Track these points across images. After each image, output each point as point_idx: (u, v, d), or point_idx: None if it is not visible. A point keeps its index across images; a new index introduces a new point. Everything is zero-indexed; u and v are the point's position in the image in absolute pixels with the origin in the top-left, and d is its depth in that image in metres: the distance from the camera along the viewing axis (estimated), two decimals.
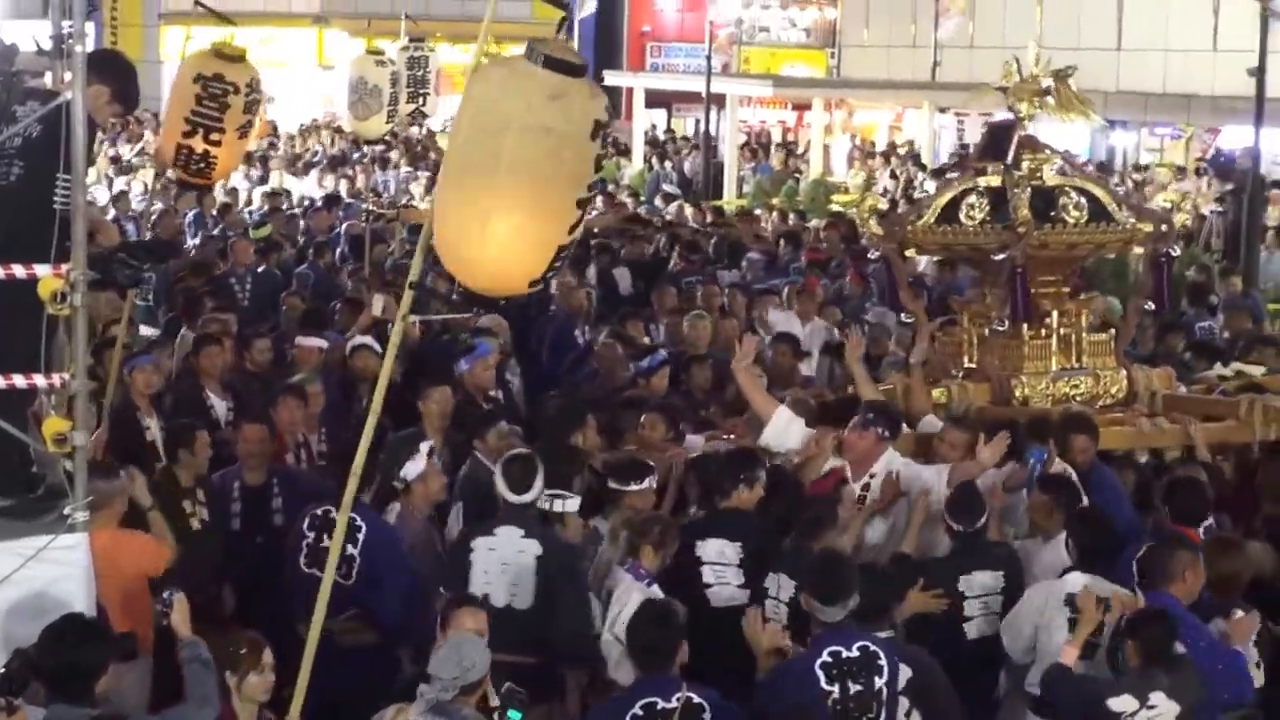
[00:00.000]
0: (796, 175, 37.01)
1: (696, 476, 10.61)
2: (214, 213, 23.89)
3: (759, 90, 42.84)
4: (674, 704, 7.61)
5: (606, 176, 36.72)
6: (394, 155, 34.35)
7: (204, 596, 9.57)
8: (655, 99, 46.75)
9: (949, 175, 12.56)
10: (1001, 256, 11.55)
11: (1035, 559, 9.89)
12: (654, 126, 47.78)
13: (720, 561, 9.67)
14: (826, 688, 7.98)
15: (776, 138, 46.53)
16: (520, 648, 8.86)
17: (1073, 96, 11.92)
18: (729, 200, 35.64)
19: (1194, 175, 33.32)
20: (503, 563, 9.38)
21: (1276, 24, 25.64)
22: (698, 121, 39.18)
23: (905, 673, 8.19)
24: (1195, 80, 34.54)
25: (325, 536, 9.40)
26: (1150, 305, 12.42)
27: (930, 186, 31.71)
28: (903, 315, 12.88)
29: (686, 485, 10.69)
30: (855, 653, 8.06)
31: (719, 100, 39.46)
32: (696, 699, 7.68)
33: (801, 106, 45.13)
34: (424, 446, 10.32)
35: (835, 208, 31.53)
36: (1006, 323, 11.92)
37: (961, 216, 11.74)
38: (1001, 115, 12.32)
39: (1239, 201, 20.45)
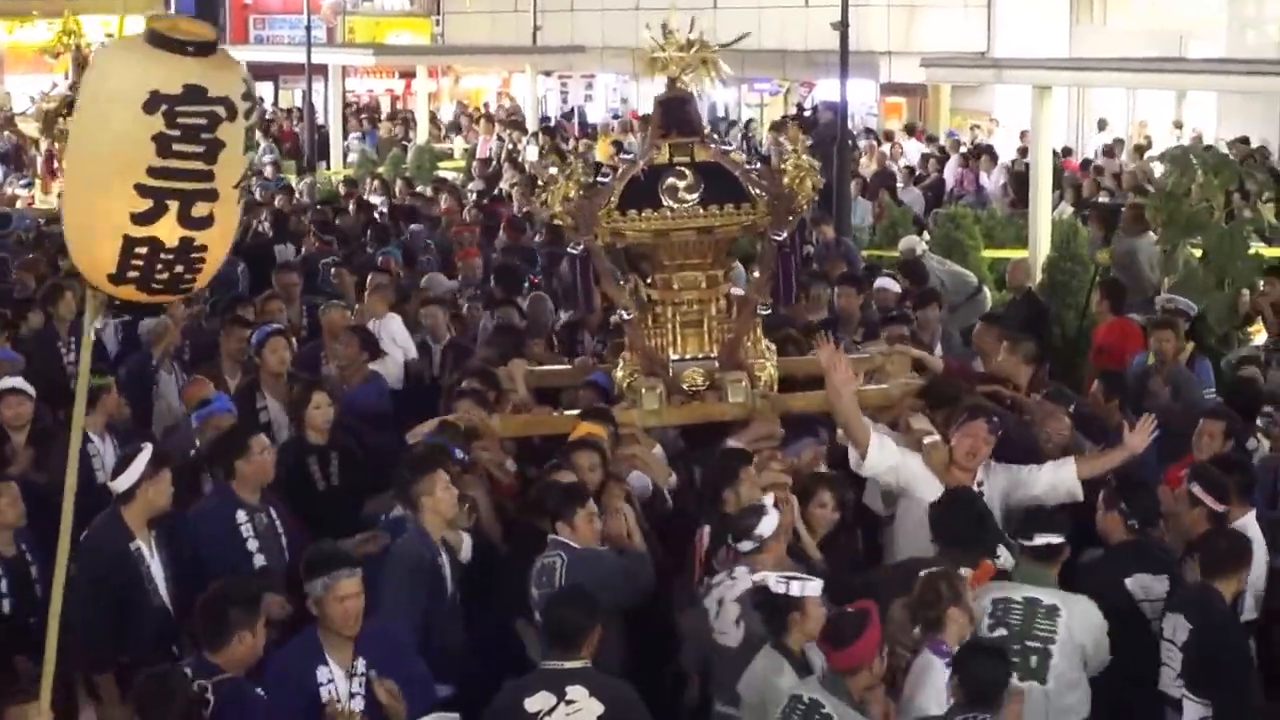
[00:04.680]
0: (404, 144, 37.05)
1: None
2: None
3: (361, 60, 42.63)
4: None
5: None
6: None
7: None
8: (262, 72, 46.24)
9: (624, 155, 11.56)
10: (781, 237, 10.87)
11: None
12: (261, 99, 47.33)
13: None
14: None
15: (386, 107, 46.61)
16: None
17: (719, 63, 11.32)
18: (335, 170, 35.54)
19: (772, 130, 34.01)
20: None
21: None
22: (305, 93, 39.05)
23: (596, 708, 7.63)
24: (789, 36, 35.46)
25: None
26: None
27: (531, 151, 32.14)
28: (623, 313, 11.37)
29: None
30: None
31: (323, 71, 39.30)
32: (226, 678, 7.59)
33: (409, 74, 45.19)
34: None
35: (441, 174, 31.68)
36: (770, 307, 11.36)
37: (666, 199, 10.90)
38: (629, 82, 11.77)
39: (826, 153, 20.97)
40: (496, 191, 27.21)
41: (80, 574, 8.97)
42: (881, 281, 15.58)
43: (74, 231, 6.52)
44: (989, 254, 20.16)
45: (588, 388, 11.78)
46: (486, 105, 44.74)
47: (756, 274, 11.55)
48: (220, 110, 6.26)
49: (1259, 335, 15.84)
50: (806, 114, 33.87)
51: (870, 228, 24.24)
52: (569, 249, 11.36)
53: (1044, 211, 19.86)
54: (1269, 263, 16.99)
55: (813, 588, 8.06)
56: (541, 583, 8.94)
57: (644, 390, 11.17)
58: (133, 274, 6.36)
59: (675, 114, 11.24)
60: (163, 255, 6.32)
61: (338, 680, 7.87)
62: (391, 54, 44.98)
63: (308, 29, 37.81)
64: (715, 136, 11.98)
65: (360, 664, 7.90)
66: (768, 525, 8.70)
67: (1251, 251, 17.24)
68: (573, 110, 44.47)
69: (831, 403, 10.21)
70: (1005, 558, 8.84)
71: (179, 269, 6.40)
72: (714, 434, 11.10)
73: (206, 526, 9.69)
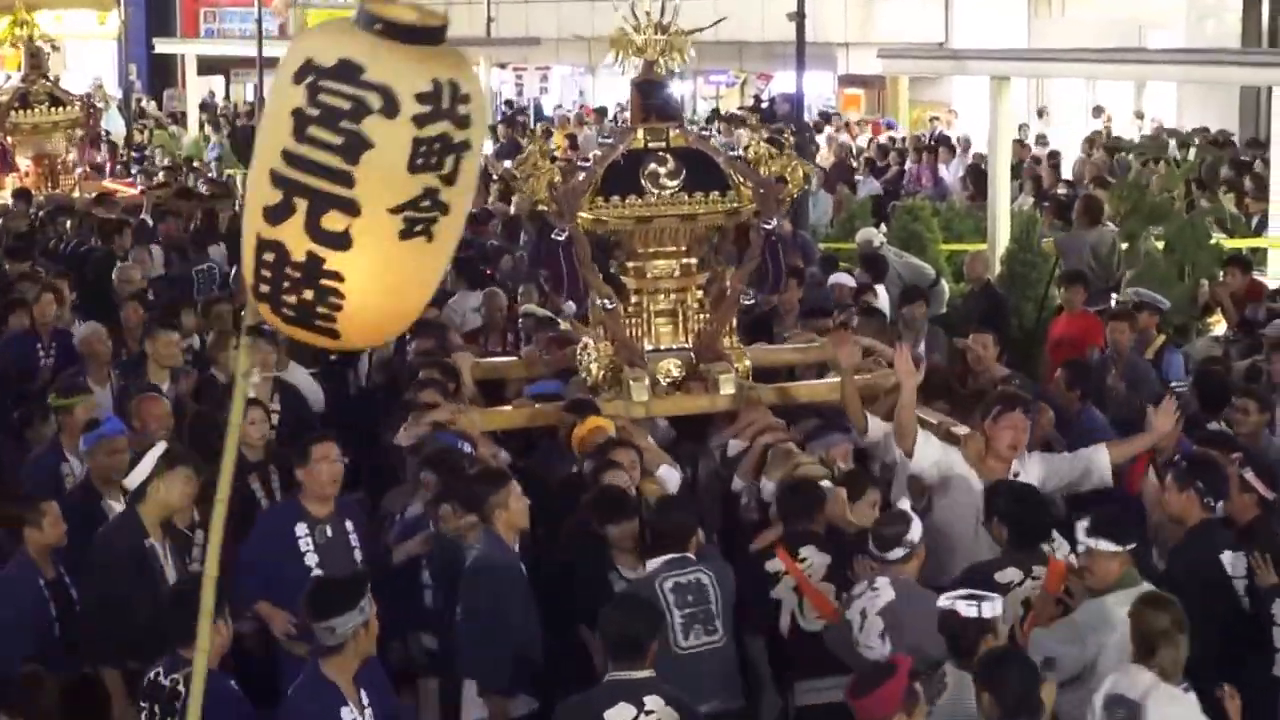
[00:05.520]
0: None
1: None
2: None
3: None
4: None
5: (164, 145, 36.06)
6: None
7: None
8: (213, 65, 46.01)
9: (603, 140, 11.48)
10: (770, 226, 10.91)
11: None
12: (212, 94, 47.09)
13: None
14: None
15: None
16: None
17: (687, 48, 11.36)
18: None
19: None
20: None
21: None
22: (257, 87, 38.80)
23: (674, 717, 7.47)
24: (746, 27, 35.39)
25: None
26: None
27: (487, 145, 31.97)
28: (605, 303, 11.19)
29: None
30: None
31: (275, 65, 38.95)
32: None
33: None
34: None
35: None
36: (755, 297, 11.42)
37: (648, 184, 10.89)
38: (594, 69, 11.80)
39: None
40: None
41: (91, 568, 9.02)
42: (836, 278, 15.45)
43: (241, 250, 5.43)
44: (947, 247, 20.08)
45: (541, 398, 11.34)
46: None
47: (738, 265, 11.40)
48: (372, 99, 5.00)
49: (1218, 325, 15.83)
50: (764, 106, 33.79)
51: (830, 221, 24.09)
52: (552, 235, 11.03)
53: (1003, 204, 19.74)
54: (1229, 253, 17.00)
55: (999, 606, 7.65)
56: (687, 601, 8.59)
57: (631, 381, 10.95)
58: (264, 287, 5.26)
59: (652, 99, 11.25)
60: (288, 270, 5.17)
61: (359, 718, 7.53)
62: None
63: (259, 22, 37.57)
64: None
65: (364, 695, 7.58)
66: (916, 531, 8.46)
67: (1212, 242, 17.23)
68: (518, 99, 44.31)
69: (852, 401, 10.26)
70: (1060, 542, 8.82)
71: (308, 295, 5.19)
72: (698, 427, 11.08)
73: (265, 539, 9.41)
